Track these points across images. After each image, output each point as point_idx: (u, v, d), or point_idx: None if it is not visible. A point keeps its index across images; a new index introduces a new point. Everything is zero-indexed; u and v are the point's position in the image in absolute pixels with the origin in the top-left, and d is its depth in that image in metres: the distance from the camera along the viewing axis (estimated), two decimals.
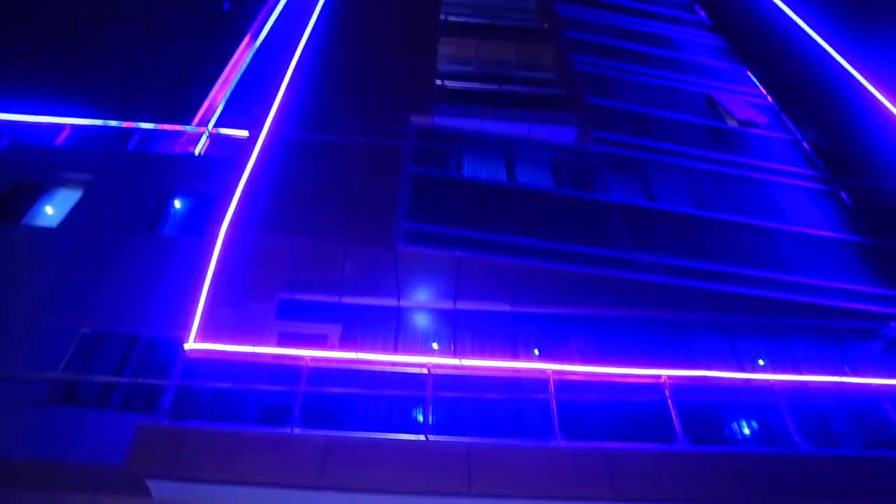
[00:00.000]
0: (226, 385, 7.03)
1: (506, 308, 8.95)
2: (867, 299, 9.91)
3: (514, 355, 8.33)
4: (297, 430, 6.65)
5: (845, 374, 8.69)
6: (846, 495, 6.89)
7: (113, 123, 12.26)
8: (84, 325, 8.51)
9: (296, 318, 8.64)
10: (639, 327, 8.91)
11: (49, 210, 10.37)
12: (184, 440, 6.70)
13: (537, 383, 7.34)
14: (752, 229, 10.24)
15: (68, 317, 8.53)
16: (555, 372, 7.34)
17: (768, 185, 11.48)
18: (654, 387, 7.45)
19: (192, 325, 7.78)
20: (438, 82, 11.83)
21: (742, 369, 8.55)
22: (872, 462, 7.41)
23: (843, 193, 11.87)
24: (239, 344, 7.60)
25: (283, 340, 8.29)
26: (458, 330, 8.67)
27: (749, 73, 15.03)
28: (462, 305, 8.92)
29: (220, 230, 8.54)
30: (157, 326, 8.48)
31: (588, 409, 7.23)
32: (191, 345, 7.58)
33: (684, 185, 10.75)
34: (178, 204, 10.51)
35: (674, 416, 7.11)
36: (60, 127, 12.17)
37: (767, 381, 7.93)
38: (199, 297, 8.06)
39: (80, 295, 8.81)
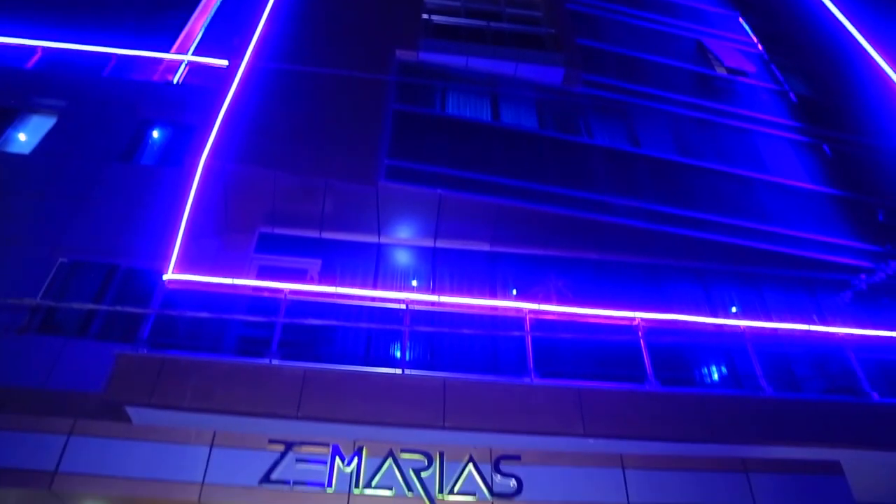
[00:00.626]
0: (204, 314, 7.04)
1: (485, 248, 9.01)
2: (841, 251, 10.11)
3: (493, 295, 8.44)
4: (275, 362, 6.73)
5: (813, 323, 8.93)
6: (806, 437, 7.17)
7: (88, 49, 11.83)
8: (61, 254, 8.42)
9: (275, 253, 8.63)
10: (615, 271, 9.05)
11: (22, 137, 10.10)
12: (163, 369, 6.75)
13: (513, 322, 7.46)
14: (733, 178, 10.32)
15: (44, 245, 8.42)
16: (531, 311, 7.45)
17: (752, 134, 11.50)
18: (628, 329, 7.61)
19: (170, 256, 7.74)
20: (425, 16, 11.53)
21: (714, 315, 8.75)
22: (832, 407, 7.69)
23: (825, 146, 11.94)
24: (218, 276, 7.60)
25: (263, 274, 8.29)
26: (438, 268, 8.73)
27: (741, 20, 14.84)
28: (442, 244, 8.96)
29: (199, 161, 8.40)
30: (136, 257, 8.41)
31: (562, 349, 7.39)
32: (169, 276, 7.55)
33: (669, 131, 10.73)
34: (155, 134, 10.29)
35: (645, 358, 7.29)
36: (31, 50, 11.72)
37: (738, 326, 8.12)
38: (178, 228, 7.99)
39: (56, 224, 8.67)
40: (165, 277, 7.54)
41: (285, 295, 7.28)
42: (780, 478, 6.22)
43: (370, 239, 8.93)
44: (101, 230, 8.67)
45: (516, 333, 7.21)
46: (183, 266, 7.71)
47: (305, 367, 6.60)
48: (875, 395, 8.11)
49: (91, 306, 7.80)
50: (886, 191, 11.06)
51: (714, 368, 8.00)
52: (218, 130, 8.65)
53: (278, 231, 8.82)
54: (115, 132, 9.93)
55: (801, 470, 6.35)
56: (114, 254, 8.49)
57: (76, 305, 7.72)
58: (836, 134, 12.03)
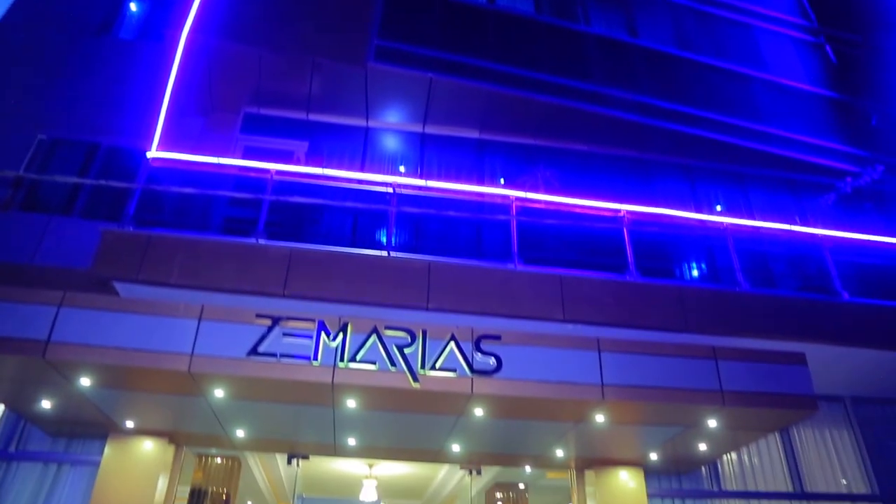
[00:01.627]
0: (189, 190, 6.98)
1: (474, 135, 8.90)
2: (830, 155, 10.11)
3: (480, 184, 8.42)
4: (261, 241, 6.77)
5: (794, 224, 9.05)
6: (776, 330, 7.45)
7: None
8: (40, 130, 8.21)
9: (261, 134, 8.48)
10: (604, 163, 9.03)
11: None
12: (150, 246, 6.77)
13: (500, 208, 7.50)
14: (730, 75, 10.12)
15: (21, 119, 8.19)
16: (517, 198, 7.47)
17: (755, 30, 11.16)
18: (612, 220, 7.68)
19: (153, 134, 7.58)
20: None
21: (699, 212, 8.83)
22: (803, 303, 7.96)
23: (828, 48, 11.65)
24: (203, 155, 7.48)
25: (249, 155, 8.18)
26: (426, 155, 8.65)
27: None
28: (431, 129, 8.82)
29: (180, 36, 8.05)
30: (118, 135, 8.24)
31: (546, 236, 7.48)
32: (153, 153, 7.42)
33: (668, 22, 10.38)
34: (133, 7, 9.79)
35: (628, 249, 7.41)
36: None
37: (720, 223, 8.22)
38: (161, 105, 7.77)
39: (32, 98, 8.39)
40: (149, 155, 7.41)
41: (271, 175, 7.21)
42: (747, 365, 6.51)
43: (358, 122, 8.77)
44: (81, 107, 8.42)
45: (502, 217, 7.26)
46: (166, 145, 7.57)
47: (292, 246, 6.65)
48: (845, 295, 8.38)
49: (75, 179, 7.70)
50: (885, 94, 10.92)
51: (694, 262, 8.17)
52: (200, 3, 8.24)
53: (264, 112, 8.62)
54: (90, 3, 9.44)
55: (767, 359, 6.63)
56: (95, 131, 8.29)
57: (59, 178, 7.61)
58: (841, 34, 11.71)
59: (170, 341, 5.78)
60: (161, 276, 6.64)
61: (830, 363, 7.70)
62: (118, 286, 6.77)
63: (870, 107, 10.69)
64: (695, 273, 8.36)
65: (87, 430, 7.38)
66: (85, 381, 5.93)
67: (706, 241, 8.28)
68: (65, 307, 5.85)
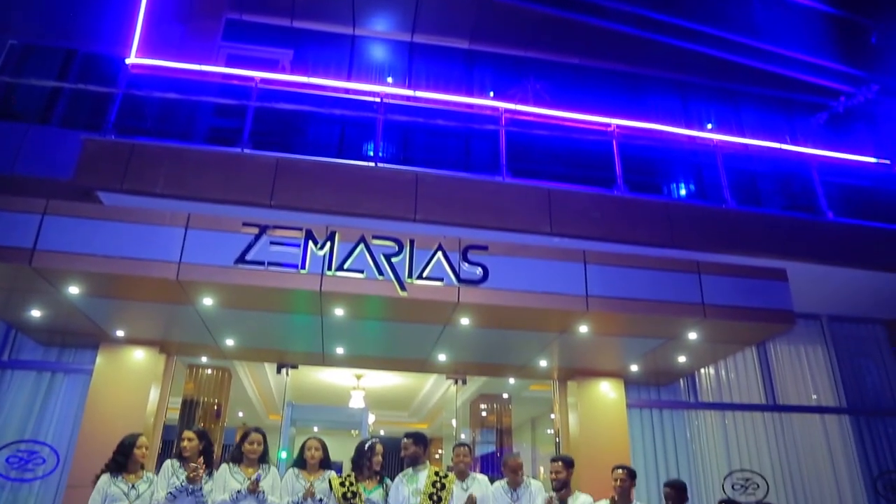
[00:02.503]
0: (172, 95, 6.80)
1: (464, 45, 8.67)
2: (826, 74, 9.97)
3: (469, 96, 8.27)
4: (247, 151, 6.67)
5: (785, 143, 9.02)
6: (760, 247, 7.54)
7: None
8: (9, 35, 7.88)
9: (244, 41, 8.21)
10: (596, 77, 8.87)
11: None
12: (133, 155, 6.65)
13: (489, 121, 7.40)
14: None
15: None
16: (507, 110, 7.37)
17: None
18: (602, 134, 7.61)
19: (132, 40, 7.31)
20: None
21: (689, 129, 8.76)
22: (788, 221, 8.03)
23: None
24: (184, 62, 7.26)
25: (232, 63, 7.94)
26: (414, 65, 8.44)
27: None
28: (419, 39, 8.57)
29: None
30: (94, 41, 7.94)
31: (535, 149, 7.42)
32: (132, 60, 7.19)
33: None
34: None
35: (617, 163, 7.39)
36: None
37: (710, 140, 8.18)
38: (138, 9, 7.47)
39: None
40: (128, 61, 7.19)
41: (256, 83, 7.03)
42: (729, 280, 6.62)
43: (344, 30, 8.49)
44: (53, 10, 8.07)
45: (491, 127, 7.17)
46: (146, 53, 7.33)
47: (278, 156, 6.56)
48: (830, 214, 8.46)
49: (53, 83, 7.47)
50: (887, 11, 10.66)
51: (682, 179, 8.17)
52: None
53: (247, 18, 8.31)
54: None
55: (750, 274, 6.74)
56: (70, 37, 7.98)
57: (36, 82, 7.37)
58: None
59: (157, 249, 5.76)
60: (145, 185, 6.56)
61: (810, 281, 7.84)
62: (102, 196, 6.69)
63: (870, 24, 10.47)
64: (682, 190, 8.38)
65: (78, 340, 7.46)
66: (73, 290, 5.94)
67: (695, 158, 8.26)
68: (49, 215, 5.78)
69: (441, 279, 5.89)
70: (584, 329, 6.46)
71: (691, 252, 6.98)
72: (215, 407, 9.35)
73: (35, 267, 5.54)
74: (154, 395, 7.41)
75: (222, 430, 9.43)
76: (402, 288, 5.78)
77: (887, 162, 8.78)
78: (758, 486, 8.41)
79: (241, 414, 10.10)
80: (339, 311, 6.12)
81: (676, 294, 6.37)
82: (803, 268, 7.54)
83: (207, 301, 6.03)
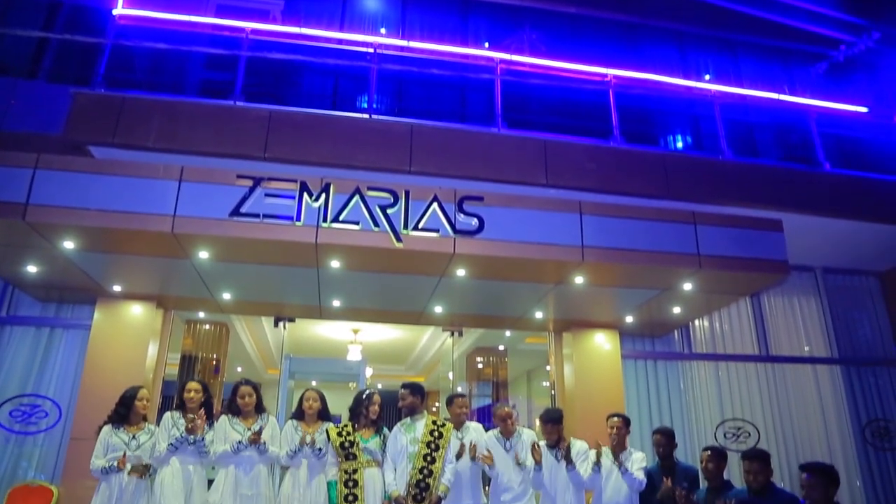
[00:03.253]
0: (161, 46, 6.68)
1: None
2: (827, 23, 9.81)
3: (464, 46, 8.12)
4: (239, 104, 6.59)
5: (783, 93, 8.92)
6: (756, 198, 7.54)
7: None
8: None
9: None
10: (593, 27, 8.71)
11: None
12: (124, 108, 6.57)
13: (484, 72, 7.29)
14: None
15: None
16: (502, 61, 7.26)
17: None
18: (599, 85, 7.52)
19: None
20: None
21: (687, 80, 8.65)
22: (784, 173, 8.02)
23: None
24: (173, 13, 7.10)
25: (221, 13, 7.76)
26: (407, 16, 8.27)
27: None
28: None
29: None
30: None
31: (531, 99, 7.34)
32: (120, 10, 7.04)
33: None
34: None
35: (613, 114, 7.32)
36: None
37: (708, 90, 8.09)
38: None
39: None
40: (115, 12, 7.03)
41: (247, 34, 6.90)
42: (725, 230, 6.62)
43: None
44: None
45: (486, 77, 7.07)
46: (133, 2, 7.16)
47: (271, 108, 6.48)
48: (827, 166, 8.44)
49: (37, 33, 7.32)
50: None
51: (679, 130, 8.12)
52: None
53: None
54: None
55: (745, 225, 6.73)
56: None
57: (21, 32, 7.22)
58: None
59: (151, 203, 5.71)
60: (137, 139, 6.50)
61: (806, 233, 7.87)
62: (93, 150, 6.63)
63: None
64: (679, 143, 8.33)
65: (75, 295, 7.48)
66: (68, 245, 5.92)
67: (693, 109, 8.20)
68: (41, 170, 5.71)
69: (437, 230, 5.88)
70: (579, 280, 6.49)
71: (687, 203, 6.97)
72: (214, 362, 9.43)
73: (29, 221, 5.51)
74: (153, 350, 7.46)
75: (221, 385, 9.53)
76: (398, 239, 5.78)
77: (865, 110, 8.70)
78: (749, 434, 8.58)
79: (239, 369, 10.20)
80: (335, 263, 6.13)
81: (672, 245, 6.37)
82: (799, 219, 7.56)
83: (203, 254, 6.02)
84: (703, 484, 5.31)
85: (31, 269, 6.60)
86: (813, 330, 9.40)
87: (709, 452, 5.17)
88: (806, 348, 9.26)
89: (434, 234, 5.87)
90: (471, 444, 5.69)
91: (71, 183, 5.67)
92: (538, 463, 5.21)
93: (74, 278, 6.78)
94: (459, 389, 9.89)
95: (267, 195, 5.79)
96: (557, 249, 6.05)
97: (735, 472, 7.29)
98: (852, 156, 8.81)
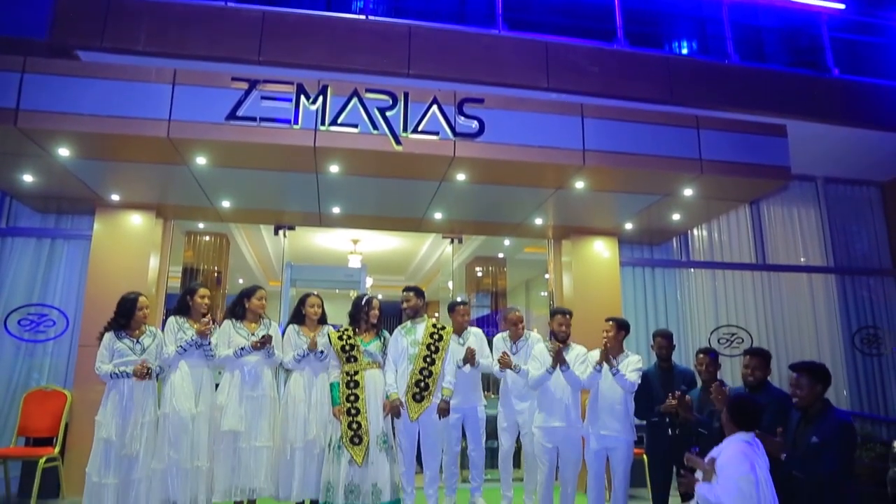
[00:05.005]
0: None
1: None
2: None
3: None
4: (231, 4, 6.36)
5: None
6: (761, 105, 7.42)
7: None
8: None
9: None
10: None
11: None
12: (111, 10, 6.38)
13: None
14: None
15: None
16: None
17: None
18: None
19: None
20: None
21: None
22: (791, 78, 7.86)
23: None
24: None
25: None
26: None
27: None
28: None
29: None
30: None
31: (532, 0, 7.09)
32: None
33: None
34: None
35: (617, 15, 7.09)
36: None
37: None
38: None
39: None
40: None
41: None
42: (728, 135, 6.51)
43: None
44: None
45: None
46: None
47: (264, 9, 6.26)
48: (836, 71, 8.26)
49: None
50: None
51: (685, 32, 7.88)
52: None
53: None
54: None
55: (749, 130, 6.63)
56: None
57: None
58: None
59: (145, 107, 5.59)
60: (126, 42, 6.33)
61: (809, 139, 7.79)
62: (81, 55, 6.46)
63: None
64: (685, 49, 8.11)
65: (74, 206, 7.46)
66: (63, 152, 5.85)
67: (699, 11, 7.92)
68: (29, 73, 5.56)
69: (436, 133, 5.79)
70: (580, 185, 6.46)
71: (691, 109, 6.86)
72: (215, 274, 9.53)
73: (21, 127, 5.41)
74: (154, 262, 7.50)
75: (223, 297, 9.66)
76: (398, 142, 5.70)
77: (842, 7, 8.40)
78: (742, 340, 8.79)
79: (241, 281, 10.32)
80: (334, 168, 6.07)
81: (674, 149, 6.30)
82: (804, 126, 7.48)
83: (201, 160, 5.96)
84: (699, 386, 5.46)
85: (28, 178, 6.55)
86: (810, 240, 9.46)
87: (703, 354, 5.29)
88: (802, 259, 9.34)
89: (434, 137, 5.79)
90: (468, 349, 5.86)
91: (62, 88, 5.54)
92: (562, 365, 5.29)
93: (72, 187, 6.74)
94: (459, 298, 10.07)
95: (263, 98, 5.67)
96: (559, 153, 5.99)
97: (728, 378, 7.52)
98: (863, 61, 8.60)
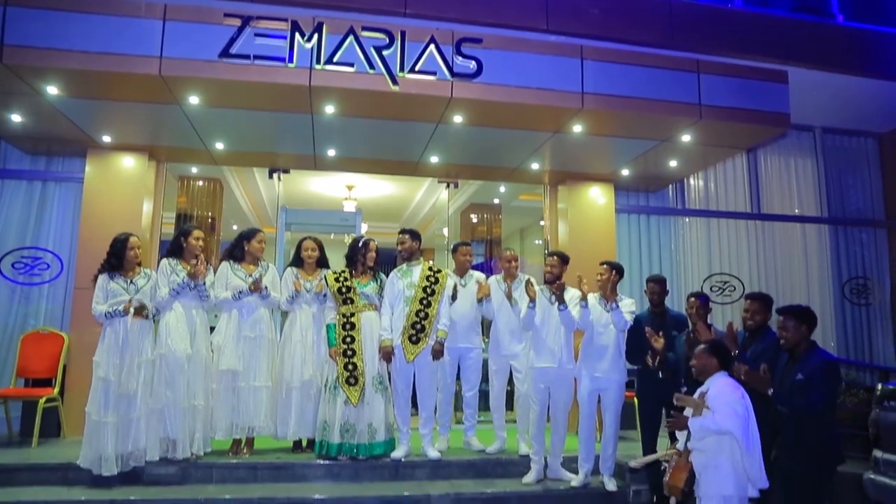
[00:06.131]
0: None
1: None
2: None
3: None
4: None
5: None
6: (764, 50, 7.30)
7: None
8: None
9: None
10: None
11: None
12: None
13: None
14: None
15: None
16: None
17: None
18: None
19: None
20: None
21: None
22: (796, 24, 7.75)
23: None
24: None
25: None
26: None
27: None
28: None
29: None
30: None
31: None
32: None
33: None
34: None
35: None
36: None
37: None
38: None
39: None
40: None
41: None
42: (728, 80, 6.44)
43: None
44: None
45: None
46: None
47: None
48: (840, 18, 8.13)
49: None
50: None
51: None
52: None
53: None
54: None
55: (749, 75, 6.56)
56: None
57: None
58: None
59: (136, 44, 5.45)
60: None
61: (810, 88, 7.70)
62: None
63: None
64: None
65: (64, 148, 7.36)
66: (52, 90, 5.73)
67: None
68: (13, 6, 5.38)
69: (434, 73, 5.70)
70: (578, 128, 6.40)
71: (692, 53, 6.75)
72: (209, 220, 9.48)
73: (7, 63, 5.28)
74: (148, 207, 7.45)
75: (218, 243, 9.63)
76: (394, 82, 5.60)
77: None
78: (734, 288, 8.88)
79: (235, 227, 10.26)
80: (329, 108, 5.97)
81: (673, 93, 6.24)
82: (804, 74, 7.39)
83: (193, 99, 5.85)
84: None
85: (17, 118, 6.44)
86: (806, 190, 9.47)
87: (693, 297, 5.32)
88: (796, 211, 9.37)
89: (431, 78, 5.69)
90: (480, 285, 5.94)
91: (48, 22, 5.38)
92: (532, 299, 5.36)
93: (62, 128, 6.63)
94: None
95: (257, 35, 5.54)
96: (557, 95, 5.91)
97: (719, 325, 7.61)
98: (868, 8, 8.45)
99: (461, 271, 6.21)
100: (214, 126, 6.59)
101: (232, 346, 5.56)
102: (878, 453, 5.54)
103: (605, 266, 5.53)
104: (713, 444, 3.60)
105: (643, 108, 6.13)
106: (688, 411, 3.72)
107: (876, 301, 9.43)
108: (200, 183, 9.41)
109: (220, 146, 7.16)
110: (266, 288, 5.67)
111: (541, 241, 9.49)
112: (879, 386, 5.96)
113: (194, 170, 9.03)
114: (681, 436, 3.85)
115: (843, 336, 9.16)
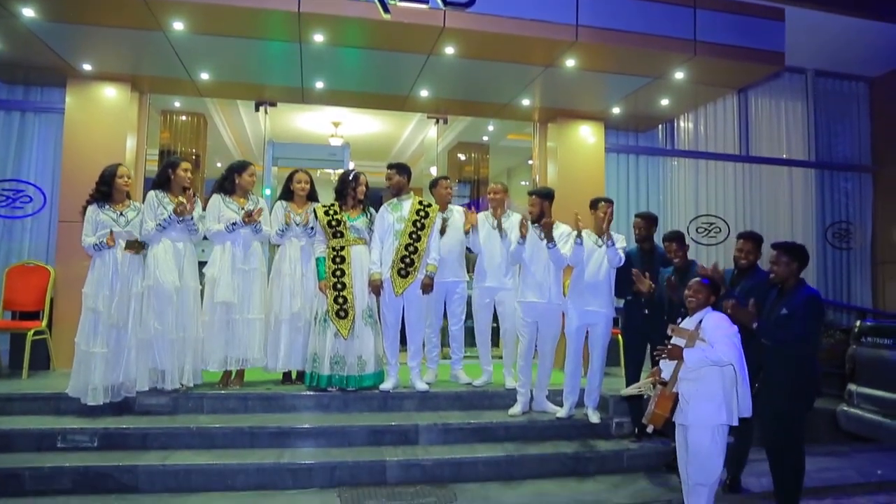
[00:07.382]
0: None
1: None
2: None
3: None
4: None
5: None
6: None
7: None
8: None
9: None
10: None
11: None
12: None
13: None
14: None
15: None
16: None
17: None
18: None
19: None
20: None
21: None
22: None
23: None
24: None
25: None
26: None
27: None
28: None
29: None
30: None
31: None
32: None
33: None
34: None
35: None
36: None
37: None
38: None
39: None
40: None
41: None
42: (724, 16, 6.34)
43: None
44: None
45: None
46: None
47: None
48: None
49: None
50: None
51: None
52: None
53: None
54: None
55: (746, 11, 6.46)
56: None
57: None
58: None
59: None
60: None
61: (805, 29, 7.60)
62: None
63: None
64: None
65: (43, 77, 7.14)
66: (28, 12, 5.50)
67: None
68: None
69: (426, 1, 5.54)
70: (570, 62, 6.29)
71: None
72: (193, 157, 9.30)
73: None
74: (131, 143, 7.29)
75: (202, 181, 9.48)
76: (386, 10, 5.44)
77: None
78: (719, 230, 8.98)
79: (219, 164, 10.07)
80: (318, 37, 5.80)
81: (668, 28, 6.13)
82: (800, 14, 7.30)
83: (177, 24, 5.65)
84: None
85: None
86: (794, 134, 9.50)
87: (668, 241, 5.32)
88: (784, 154, 9.40)
89: (423, 6, 5.54)
90: (468, 215, 5.95)
91: None
92: (524, 237, 5.38)
93: (40, 55, 6.42)
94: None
95: None
96: (551, 27, 5.79)
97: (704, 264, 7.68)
98: None
99: (442, 206, 6.20)
100: (199, 54, 6.39)
101: (227, 279, 5.55)
102: (852, 387, 5.75)
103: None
104: (708, 375, 3.68)
105: (637, 43, 6.03)
106: (678, 341, 3.79)
107: (857, 245, 9.59)
108: (184, 118, 9.20)
109: (205, 76, 6.97)
110: (259, 221, 5.64)
111: (527, 182, 9.46)
112: (858, 323, 6.14)
113: (178, 104, 8.81)
114: (666, 366, 3.92)
115: (823, 278, 9.35)
